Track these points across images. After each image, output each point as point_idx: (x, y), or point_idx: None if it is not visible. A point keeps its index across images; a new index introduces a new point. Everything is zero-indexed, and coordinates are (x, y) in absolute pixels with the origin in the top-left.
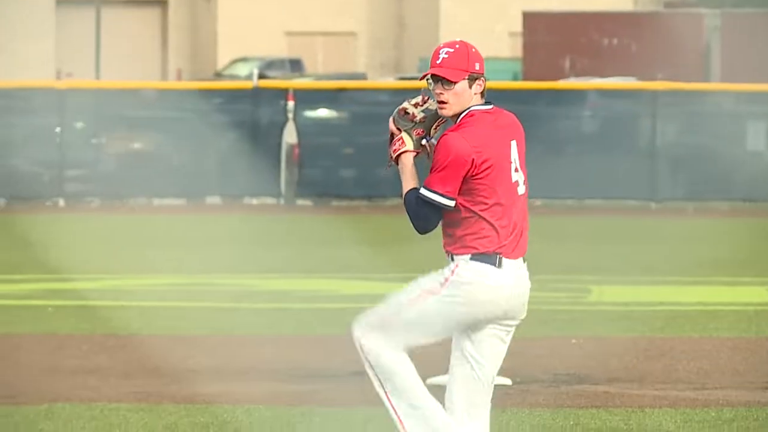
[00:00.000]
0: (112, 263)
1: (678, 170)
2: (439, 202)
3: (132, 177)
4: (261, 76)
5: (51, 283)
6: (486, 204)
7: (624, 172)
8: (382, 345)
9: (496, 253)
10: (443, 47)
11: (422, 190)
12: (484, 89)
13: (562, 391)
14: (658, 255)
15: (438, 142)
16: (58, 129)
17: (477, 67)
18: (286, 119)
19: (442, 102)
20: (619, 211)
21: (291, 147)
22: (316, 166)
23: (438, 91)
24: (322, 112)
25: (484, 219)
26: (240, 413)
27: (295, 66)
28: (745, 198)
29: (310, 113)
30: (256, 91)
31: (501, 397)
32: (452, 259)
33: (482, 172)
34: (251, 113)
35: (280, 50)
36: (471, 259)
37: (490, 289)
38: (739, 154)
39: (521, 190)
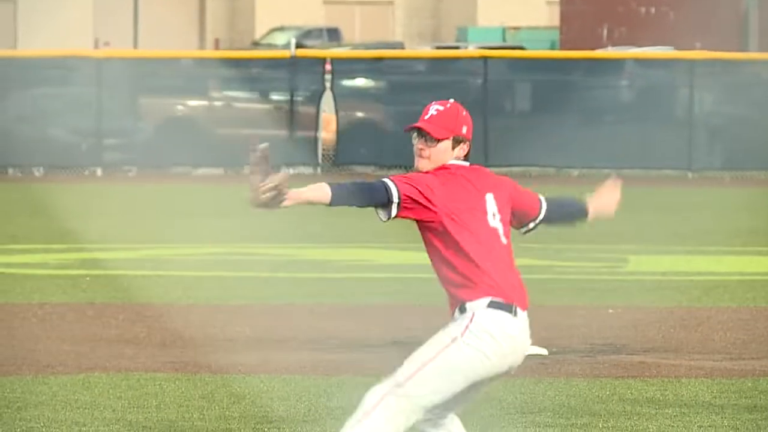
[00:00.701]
0: (150, 233)
1: (715, 140)
2: (387, 185)
3: (169, 146)
4: (298, 46)
5: (89, 253)
6: (461, 242)
7: (661, 142)
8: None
9: (512, 303)
10: (435, 104)
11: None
12: (467, 154)
13: (599, 361)
14: (695, 225)
15: None
16: (95, 98)
17: (464, 131)
18: (324, 88)
19: (420, 156)
20: (656, 181)
21: (328, 116)
22: (354, 136)
23: (420, 146)
24: (360, 82)
25: (469, 258)
26: (277, 383)
27: (333, 35)
28: None
29: (348, 82)
30: (294, 61)
31: (537, 368)
32: (463, 310)
33: (448, 210)
34: (289, 82)
35: (318, 19)
36: (488, 306)
37: (510, 339)
38: None
39: (503, 240)
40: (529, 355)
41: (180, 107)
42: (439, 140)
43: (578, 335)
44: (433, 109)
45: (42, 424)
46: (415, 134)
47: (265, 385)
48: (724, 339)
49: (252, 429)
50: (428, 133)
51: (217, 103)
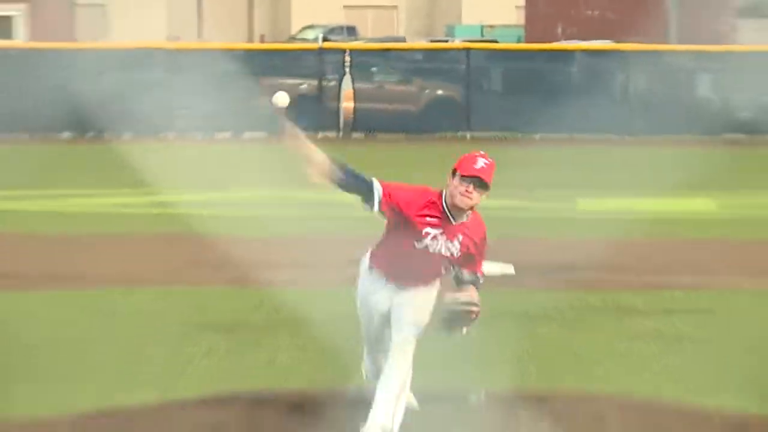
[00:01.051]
0: (211, 180)
1: (646, 112)
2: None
3: (228, 115)
4: (324, 39)
5: (161, 196)
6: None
7: (604, 114)
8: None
9: None
10: (481, 157)
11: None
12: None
13: (555, 278)
14: (633, 176)
15: (477, 230)
16: (169, 80)
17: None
18: (344, 72)
19: (469, 198)
20: (600, 143)
21: (348, 93)
22: (366, 108)
23: (470, 190)
24: (371, 67)
25: None
26: (311, 296)
27: (351, 31)
28: (697, 132)
29: (362, 68)
30: (321, 51)
31: (504, 283)
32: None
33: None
34: (317, 68)
35: (340, 19)
36: None
37: None
38: (691, 99)
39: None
40: (500, 275)
41: (234, 87)
42: (488, 189)
43: (537, 259)
44: (482, 162)
45: (131, 329)
46: (470, 181)
47: (302, 297)
48: (654, 261)
49: (290, 331)
50: (486, 183)
51: (263, 83)
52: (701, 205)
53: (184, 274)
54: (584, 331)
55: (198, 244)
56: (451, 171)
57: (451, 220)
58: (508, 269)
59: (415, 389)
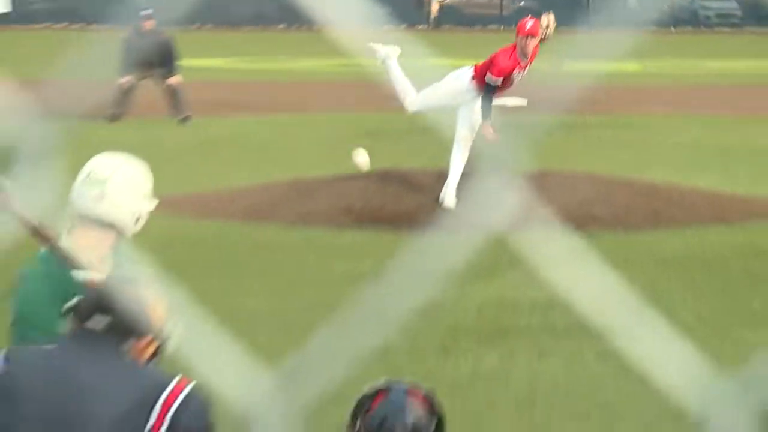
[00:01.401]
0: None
1: (600, 14)
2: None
3: (373, 14)
4: None
5: (343, 60)
6: None
7: (576, 15)
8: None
9: None
10: (530, 19)
11: None
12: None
13: (549, 107)
14: (594, 49)
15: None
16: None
17: (541, 33)
18: None
19: (529, 47)
20: (575, 32)
21: (437, 5)
22: (446, 15)
23: (528, 42)
24: None
25: None
26: (430, 115)
27: None
28: (629, 26)
29: None
30: None
31: (519, 110)
32: None
33: None
34: None
35: None
36: None
37: None
38: (625, 7)
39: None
40: (517, 105)
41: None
42: (538, 36)
43: (539, 96)
44: (530, 23)
45: (318, 135)
46: (525, 38)
47: (424, 117)
48: (608, 97)
49: (413, 134)
50: (537, 36)
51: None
52: (633, 66)
53: (354, 105)
54: (566, 136)
55: (364, 88)
56: (516, 33)
57: (523, 60)
58: (522, 102)
59: (470, 165)
